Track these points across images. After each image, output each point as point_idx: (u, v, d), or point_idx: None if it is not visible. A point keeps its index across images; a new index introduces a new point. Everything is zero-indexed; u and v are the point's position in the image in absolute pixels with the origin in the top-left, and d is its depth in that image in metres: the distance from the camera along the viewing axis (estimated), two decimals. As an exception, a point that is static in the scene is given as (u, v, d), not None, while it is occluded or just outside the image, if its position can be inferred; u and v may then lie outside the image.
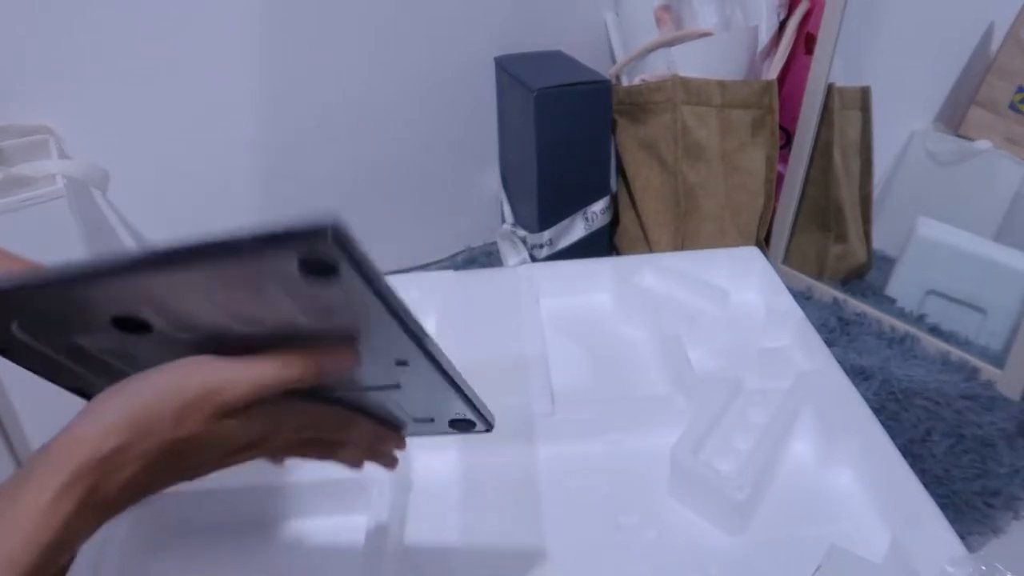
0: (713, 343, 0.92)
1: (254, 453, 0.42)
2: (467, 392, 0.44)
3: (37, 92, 1.20)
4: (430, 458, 0.78)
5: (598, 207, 1.55)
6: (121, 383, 0.38)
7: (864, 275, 1.54)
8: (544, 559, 0.68)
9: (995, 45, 1.49)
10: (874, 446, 0.73)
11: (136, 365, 0.40)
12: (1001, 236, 1.40)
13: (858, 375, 1.19)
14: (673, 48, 1.48)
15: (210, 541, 0.71)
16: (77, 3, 1.17)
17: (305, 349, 0.39)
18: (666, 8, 1.54)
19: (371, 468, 0.54)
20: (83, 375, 0.44)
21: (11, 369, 0.47)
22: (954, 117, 1.55)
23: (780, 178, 1.52)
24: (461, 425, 0.49)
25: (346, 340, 0.40)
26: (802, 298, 1.44)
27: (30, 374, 0.45)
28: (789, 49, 1.51)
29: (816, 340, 0.89)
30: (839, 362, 0.85)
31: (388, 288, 0.36)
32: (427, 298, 1.00)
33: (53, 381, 0.45)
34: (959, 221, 1.38)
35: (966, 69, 1.55)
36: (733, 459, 0.71)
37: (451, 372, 0.43)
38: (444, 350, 0.42)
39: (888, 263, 1.52)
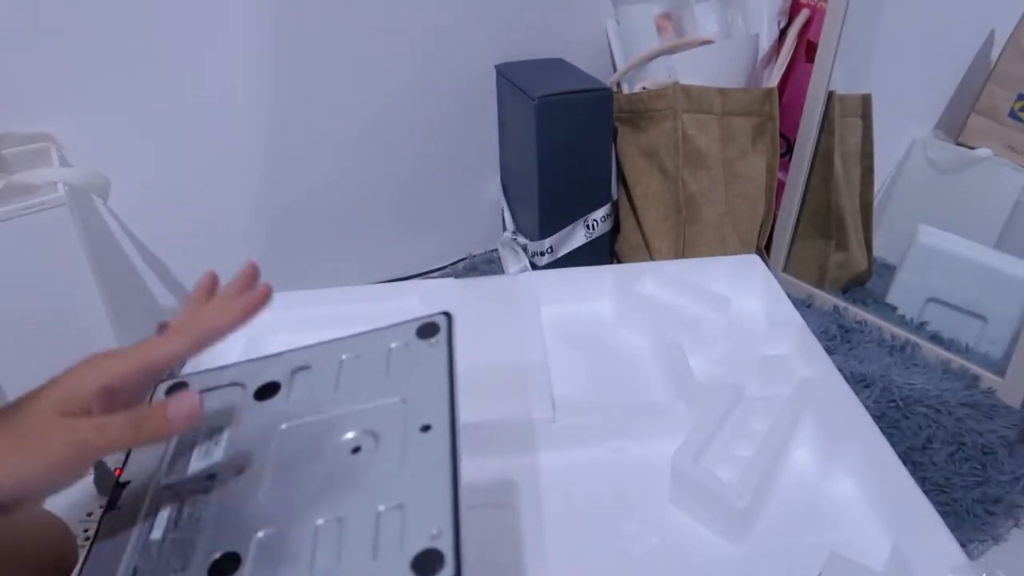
0: (714, 351, 0.92)
1: None
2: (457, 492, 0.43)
3: (38, 100, 1.20)
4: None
5: (599, 215, 1.55)
6: None
7: (865, 283, 1.54)
8: (545, 566, 0.68)
9: (995, 53, 1.49)
10: (875, 454, 0.73)
11: None
12: (1001, 244, 1.40)
13: (859, 383, 1.19)
14: (674, 56, 1.49)
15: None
16: (79, 11, 1.18)
17: None
18: (667, 16, 1.54)
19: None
20: None
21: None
22: (954, 125, 1.55)
23: (781, 186, 1.52)
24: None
25: None
26: (803, 306, 1.44)
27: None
28: (790, 57, 1.51)
29: (817, 348, 0.89)
30: (840, 370, 0.85)
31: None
32: (428, 306, 1.00)
33: None
34: (960, 229, 1.38)
35: (966, 77, 1.55)
36: (734, 466, 0.71)
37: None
38: None
39: (889, 271, 1.52)
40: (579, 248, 1.57)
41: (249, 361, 0.57)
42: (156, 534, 0.47)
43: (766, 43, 1.50)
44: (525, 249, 1.62)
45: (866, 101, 1.48)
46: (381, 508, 0.42)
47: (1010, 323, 1.28)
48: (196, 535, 0.45)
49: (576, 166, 1.48)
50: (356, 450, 0.47)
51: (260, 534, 0.44)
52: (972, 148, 1.50)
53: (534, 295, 1.02)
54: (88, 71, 1.22)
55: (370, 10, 1.40)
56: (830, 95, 1.42)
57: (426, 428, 0.46)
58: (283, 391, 0.54)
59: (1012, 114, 1.45)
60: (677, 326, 0.92)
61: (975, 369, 1.23)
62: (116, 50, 1.23)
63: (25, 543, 0.62)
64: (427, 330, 0.53)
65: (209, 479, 0.49)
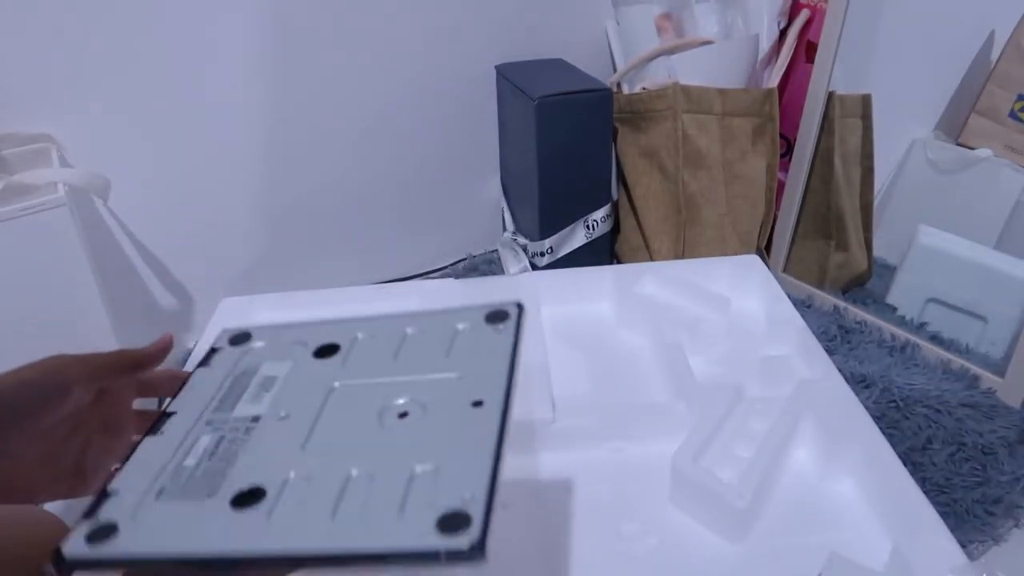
0: (714, 351, 0.92)
1: None
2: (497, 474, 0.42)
3: (38, 100, 1.20)
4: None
5: (599, 215, 1.55)
6: None
7: (865, 283, 1.54)
8: (545, 566, 0.68)
9: (996, 53, 1.49)
10: (875, 454, 0.73)
11: None
12: (1002, 244, 1.40)
13: (859, 383, 1.19)
14: (674, 56, 1.49)
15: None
16: (78, 11, 1.18)
17: None
18: (667, 16, 1.54)
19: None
20: None
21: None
22: (955, 125, 1.55)
23: (781, 186, 1.52)
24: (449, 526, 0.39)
25: None
26: (803, 306, 1.44)
27: None
28: (790, 57, 1.51)
29: (817, 348, 0.89)
30: (840, 370, 0.85)
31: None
32: (428, 306, 1.00)
33: None
34: (960, 229, 1.38)
35: (967, 77, 1.55)
36: (734, 467, 0.71)
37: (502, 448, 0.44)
38: None
39: (889, 271, 1.52)
40: (579, 248, 1.57)
41: (315, 322, 0.59)
42: (190, 461, 0.47)
43: (766, 44, 1.50)
44: (525, 249, 1.62)
45: (866, 101, 1.47)
46: (417, 469, 0.42)
47: (1010, 323, 1.28)
48: (228, 468, 0.46)
49: (576, 166, 1.48)
50: (403, 415, 0.48)
51: (291, 474, 0.44)
52: (972, 148, 1.50)
53: (534, 295, 1.03)
54: (88, 71, 1.22)
55: (370, 10, 1.40)
56: (830, 95, 1.42)
57: (478, 404, 0.46)
58: (342, 353, 0.55)
59: (1012, 115, 1.45)
60: (677, 326, 0.93)
61: (975, 369, 1.23)
62: (116, 50, 1.23)
63: (24, 543, 0.62)
64: (496, 316, 0.54)
65: (253, 421, 0.50)
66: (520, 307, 0.54)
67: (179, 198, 1.37)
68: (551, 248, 1.55)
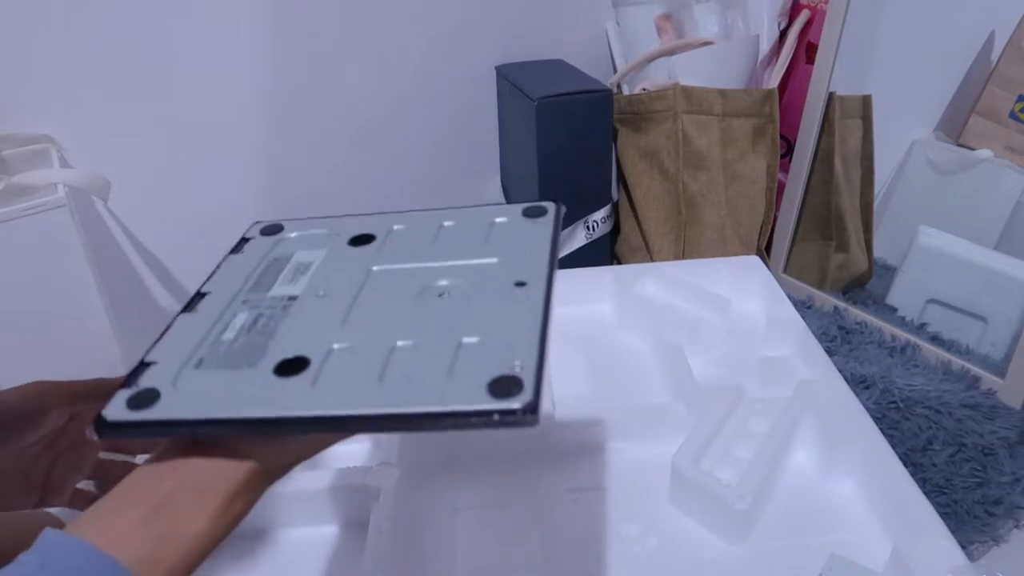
0: (714, 352, 0.92)
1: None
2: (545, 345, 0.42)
3: (39, 101, 1.20)
4: (432, 469, 0.78)
5: (599, 216, 1.55)
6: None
7: (865, 284, 1.54)
8: (544, 567, 0.68)
9: (996, 54, 1.49)
10: (875, 455, 0.73)
11: None
12: (1002, 245, 1.40)
13: (859, 384, 1.19)
14: (674, 57, 1.49)
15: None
16: (78, 12, 1.18)
17: None
18: (667, 17, 1.54)
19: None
20: None
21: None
22: (955, 126, 1.55)
23: (781, 187, 1.52)
24: (500, 390, 0.38)
25: None
26: (803, 307, 1.44)
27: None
28: (790, 58, 1.51)
29: (817, 349, 0.89)
30: (840, 371, 0.85)
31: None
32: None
33: None
34: (960, 230, 1.38)
35: (967, 78, 1.55)
36: (734, 468, 0.71)
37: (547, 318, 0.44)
38: None
39: (889, 272, 1.51)
40: (579, 249, 1.57)
41: (347, 216, 0.58)
42: (228, 335, 0.47)
43: (766, 44, 1.50)
44: (525, 250, 1.61)
45: (866, 102, 1.47)
46: (464, 340, 0.42)
47: (1010, 324, 1.28)
48: (268, 341, 0.45)
49: (576, 167, 1.48)
50: (443, 295, 0.47)
51: (334, 346, 0.44)
52: (972, 149, 1.50)
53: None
54: (88, 72, 1.22)
55: (371, 11, 1.41)
56: (830, 96, 1.42)
57: (521, 284, 0.46)
58: (377, 242, 0.54)
59: (1012, 115, 1.45)
60: (677, 327, 0.93)
61: (975, 370, 1.23)
62: (116, 51, 1.23)
63: (24, 545, 0.62)
64: (534, 211, 0.54)
65: (290, 300, 0.49)
66: (558, 204, 0.54)
67: (179, 198, 1.37)
68: (551, 249, 1.55)
